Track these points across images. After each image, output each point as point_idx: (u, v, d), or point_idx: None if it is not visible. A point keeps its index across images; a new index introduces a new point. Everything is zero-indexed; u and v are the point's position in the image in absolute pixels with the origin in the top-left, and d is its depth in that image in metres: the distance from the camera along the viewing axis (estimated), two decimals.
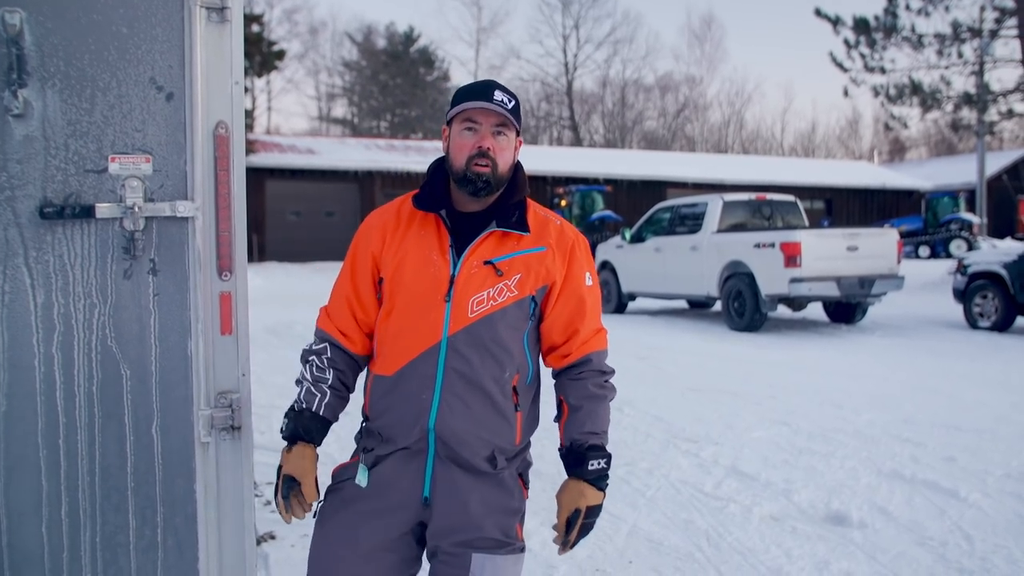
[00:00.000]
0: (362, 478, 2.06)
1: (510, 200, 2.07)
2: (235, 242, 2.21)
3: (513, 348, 2.02)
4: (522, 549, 2.08)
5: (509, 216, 2.03)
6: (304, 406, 2.08)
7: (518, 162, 2.11)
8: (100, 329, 2.09)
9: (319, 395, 2.08)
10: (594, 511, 2.04)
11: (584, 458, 2.03)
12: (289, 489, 2.02)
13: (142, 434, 2.13)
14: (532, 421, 2.15)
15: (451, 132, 2.05)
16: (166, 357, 2.15)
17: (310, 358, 2.12)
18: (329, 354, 2.11)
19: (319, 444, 2.09)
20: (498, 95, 2.00)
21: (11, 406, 2.03)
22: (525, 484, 2.13)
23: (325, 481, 2.12)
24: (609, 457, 2.07)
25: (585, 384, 2.07)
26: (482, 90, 2.02)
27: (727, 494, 4.57)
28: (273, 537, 3.93)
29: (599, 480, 2.04)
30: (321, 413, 2.08)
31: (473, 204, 2.05)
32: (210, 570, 2.20)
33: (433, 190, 2.08)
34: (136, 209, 2.08)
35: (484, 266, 1.99)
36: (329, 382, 2.09)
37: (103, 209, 2.06)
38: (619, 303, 14.42)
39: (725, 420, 6.29)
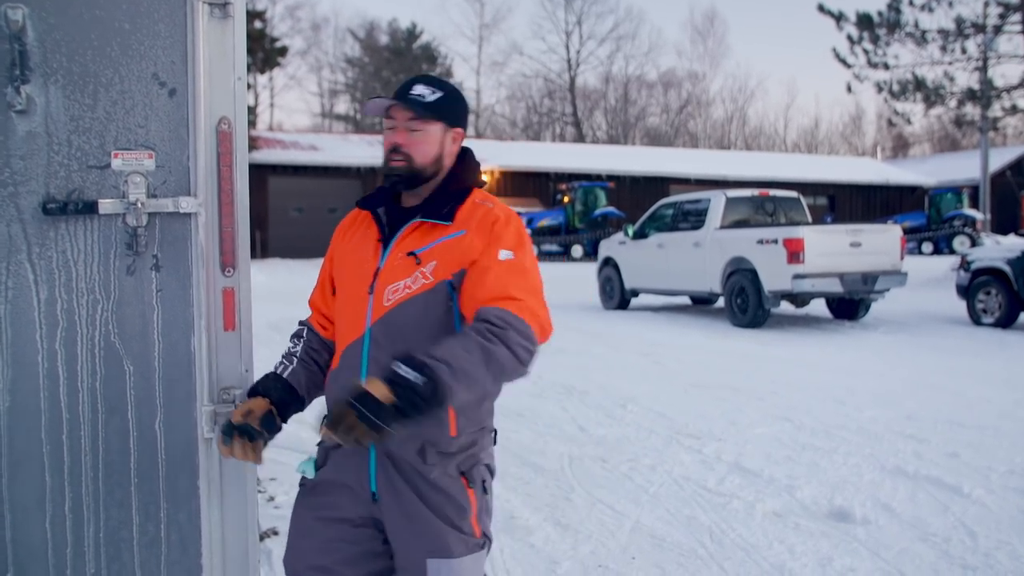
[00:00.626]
0: (305, 467, 2.09)
1: (447, 190, 2.06)
2: (238, 238, 2.21)
3: (433, 336, 1.95)
4: (482, 545, 2.03)
5: (440, 207, 2.03)
6: (271, 371, 2.13)
7: (466, 151, 2.13)
8: (103, 325, 2.09)
9: (286, 363, 2.13)
10: (367, 401, 1.67)
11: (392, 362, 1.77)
12: (229, 425, 2.00)
13: (145, 430, 2.13)
14: (474, 416, 2.02)
15: None
16: (169, 353, 2.15)
17: (292, 338, 2.22)
18: (305, 335, 2.20)
19: (275, 401, 2.05)
20: (418, 89, 2.01)
21: (14, 402, 2.03)
22: (471, 483, 2.01)
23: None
24: (427, 377, 1.69)
25: (464, 329, 1.87)
26: (403, 86, 2.03)
27: (730, 490, 4.57)
28: (276, 533, 3.93)
29: (395, 384, 1.69)
30: (285, 376, 2.10)
31: (413, 198, 2.08)
32: (213, 566, 2.21)
33: (381, 188, 2.14)
34: (139, 205, 2.08)
35: (407, 257, 2.00)
36: (298, 355, 2.15)
37: (106, 205, 2.07)
38: (622, 299, 14.41)
39: (728, 416, 6.29)
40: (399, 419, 1.69)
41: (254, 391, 2.09)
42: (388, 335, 1.97)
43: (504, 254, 1.95)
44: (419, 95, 2.01)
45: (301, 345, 2.17)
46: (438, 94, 2.03)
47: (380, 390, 1.69)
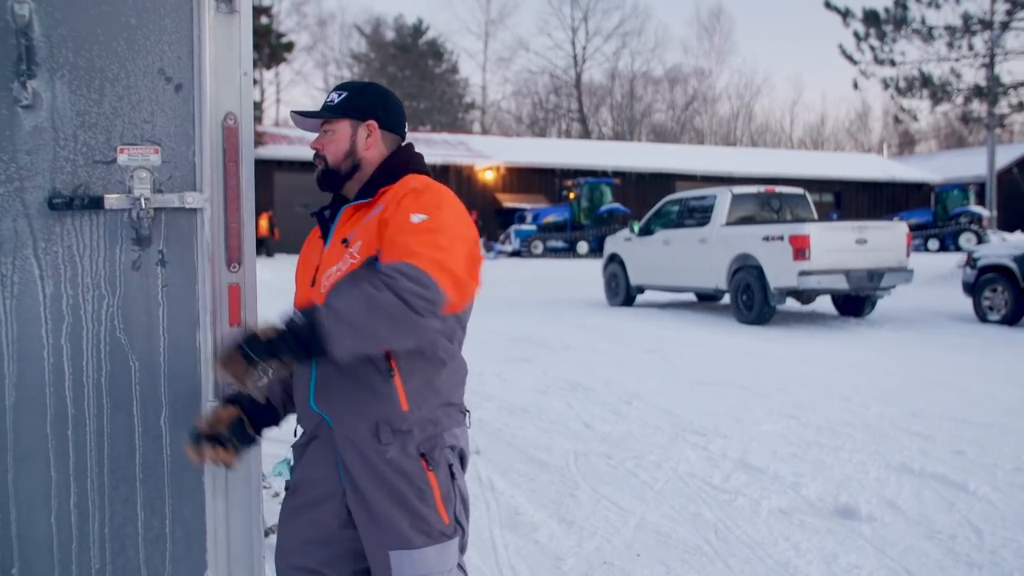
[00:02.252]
0: (280, 469, 2.09)
1: (380, 177, 2.07)
2: (243, 234, 2.21)
3: None
4: (449, 535, 1.98)
5: (369, 190, 2.05)
6: None
7: (404, 146, 2.15)
8: (109, 320, 2.09)
9: (261, 374, 2.01)
10: (249, 338, 1.80)
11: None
12: (196, 433, 2.01)
13: (151, 426, 2.13)
14: (427, 391, 1.98)
15: None
16: (175, 348, 2.15)
17: None
18: None
19: (247, 411, 2.07)
20: (329, 96, 2.14)
21: (20, 397, 2.03)
22: (431, 464, 1.96)
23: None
24: (308, 320, 1.77)
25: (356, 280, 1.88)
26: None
27: (735, 487, 4.56)
28: None
29: (281, 326, 1.80)
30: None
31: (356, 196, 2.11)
32: (218, 561, 2.21)
33: (334, 196, 2.17)
34: (145, 200, 2.08)
35: (341, 244, 2.00)
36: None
37: (112, 200, 2.07)
38: (627, 296, 14.39)
39: (733, 413, 6.28)
40: (272, 354, 1.77)
41: (227, 400, 2.08)
42: None
43: (416, 217, 1.91)
44: (328, 101, 2.12)
45: None
46: (343, 94, 2.12)
47: (265, 330, 1.79)
